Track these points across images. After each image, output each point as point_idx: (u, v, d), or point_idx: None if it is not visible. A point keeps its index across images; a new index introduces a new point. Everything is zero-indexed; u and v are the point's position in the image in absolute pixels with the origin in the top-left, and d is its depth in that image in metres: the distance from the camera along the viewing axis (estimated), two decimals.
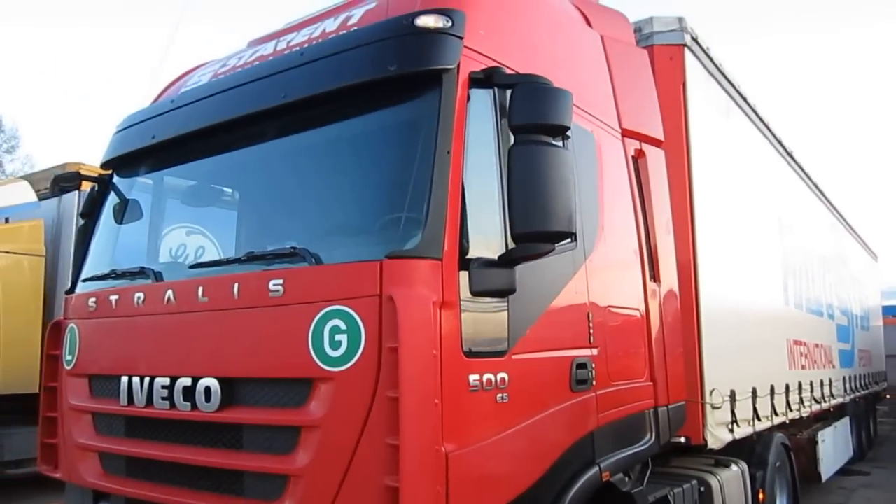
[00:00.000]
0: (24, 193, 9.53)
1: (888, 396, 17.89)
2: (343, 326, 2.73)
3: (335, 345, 2.73)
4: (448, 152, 2.88)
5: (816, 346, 9.19)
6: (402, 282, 2.68)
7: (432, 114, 2.94)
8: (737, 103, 6.69)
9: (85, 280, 4.13)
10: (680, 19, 5.46)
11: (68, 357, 3.93)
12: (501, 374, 2.98)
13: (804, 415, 8.09)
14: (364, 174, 3.30)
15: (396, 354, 2.59)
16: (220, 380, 3.05)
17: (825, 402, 9.29)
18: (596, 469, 3.59)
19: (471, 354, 2.85)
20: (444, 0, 3.22)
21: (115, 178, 4.36)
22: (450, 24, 3.04)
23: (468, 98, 3.05)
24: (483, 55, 3.19)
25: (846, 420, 11.29)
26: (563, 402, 3.40)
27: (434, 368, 2.66)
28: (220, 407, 3.04)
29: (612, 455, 3.76)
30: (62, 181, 4.56)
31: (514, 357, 3.07)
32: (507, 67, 3.24)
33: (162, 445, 3.33)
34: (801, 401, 7.90)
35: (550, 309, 3.39)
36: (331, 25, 3.63)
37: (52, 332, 4.18)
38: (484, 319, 2.97)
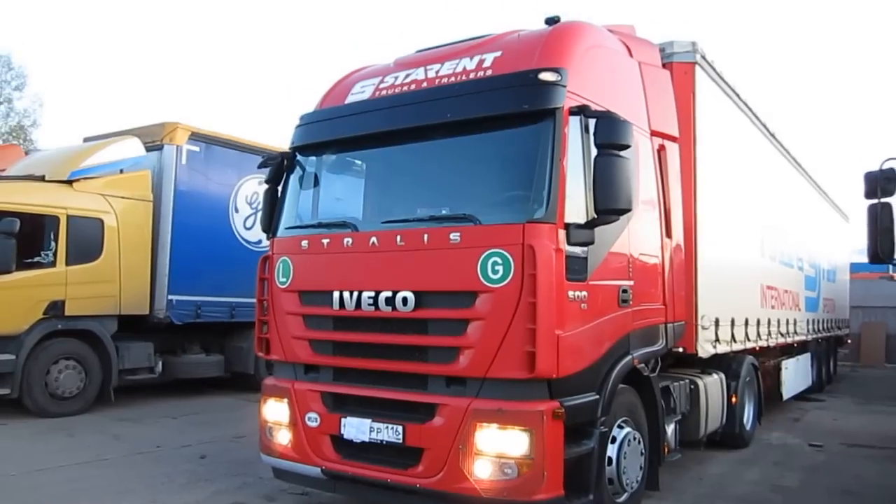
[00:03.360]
0: (136, 148, 11.29)
1: (849, 341, 20.32)
2: (500, 261, 4.71)
3: (495, 272, 4.72)
4: (560, 160, 4.83)
5: (786, 291, 11.30)
6: (536, 236, 4.66)
7: (549, 135, 4.87)
8: (732, 101, 8.62)
9: (288, 228, 6.05)
10: (693, 43, 7.32)
11: (282, 279, 5.87)
12: (584, 292, 5.02)
13: (771, 344, 10.22)
14: (504, 170, 5.26)
15: (534, 278, 4.60)
16: (414, 292, 5.04)
17: (790, 337, 11.45)
18: (630, 357, 5.65)
19: (569, 279, 4.86)
20: (552, 58, 5.13)
21: (298, 157, 6.24)
22: (559, 78, 4.95)
23: (568, 123, 4.98)
24: (576, 94, 5.08)
25: (808, 355, 13.52)
26: (614, 313, 5.44)
27: (553, 286, 4.67)
28: (414, 309, 5.04)
29: (640, 350, 5.82)
30: (269, 160, 6.38)
31: (590, 282, 5.09)
32: (590, 101, 5.15)
33: (366, 334, 5.33)
34: (770, 333, 10.04)
35: (609, 254, 5.39)
36: (469, 64, 5.49)
37: (262, 263, 6.14)
38: (576, 259, 4.96)
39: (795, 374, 12.21)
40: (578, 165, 5.08)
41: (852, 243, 20.78)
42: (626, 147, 4.92)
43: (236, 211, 12.76)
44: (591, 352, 5.16)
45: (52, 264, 10.11)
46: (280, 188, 6.31)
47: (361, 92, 6.06)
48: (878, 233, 4.86)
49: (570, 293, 4.88)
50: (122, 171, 11.12)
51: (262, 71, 74.60)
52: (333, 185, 6.33)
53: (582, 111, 5.04)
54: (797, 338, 12.08)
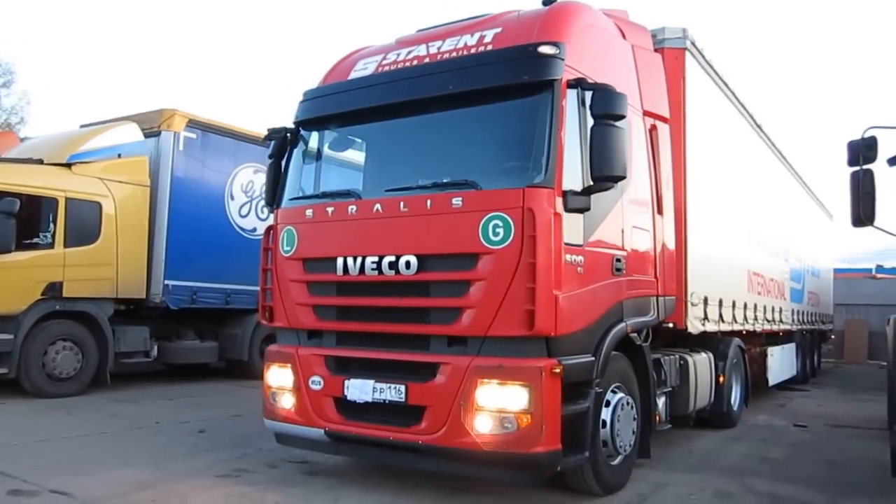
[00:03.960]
0: (134, 133, 11.41)
1: (833, 337, 20.73)
2: (501, 224, 4.90)
3: (496, 234, 4.91)
4: (558, 130, 5.04)
5: (771, 279, 11.60)
6: (535, 200, 4.86)
7: (548, 106, 5.08)
8: (721, 89, 8.88)
9: (292, 199, 6.22)
10: (684, 30, 7.57)
11: (287, 248, 6.02)
12: (580, 257, 5.22)
13: (757, 329, 10.50)
14: (504, 140, 5.46)
15: (533, 240, 4.79)
16: (417, 256, 5.22)
17: (775, 324, 11.75)
18: (624, 324, 5.85)
19: (567, 243, 5.06)
20: (551, 33, 5.33)
21: (302, 132, 6.40)
22: (558, 51, 5.15)
23: (566, 95, 5.19)
24: (573, 69, 5.29)
25: (793, 345, 13.85)
26: (608, 280, 5.65)
27: (551, 248, 4.87)
28: (416, 272, 5.22)
29: (633, 318, 6.01)
30: (274, 133, 6.52)
31: (586, 248, 5.30)
32: (586, 75, 5.36)
33: (370, 298, 5.50)
34: (756, 318, 10.32)
35: (604, 223, 5.59)
36: (470, 41, 5.68)
37: (267, 233, 6.28)
38: (573, 225, 5.16)
39: (781, 362, 12.50)
40: (575, 137, 5.28)
41: (836, 247, 21.21)
42: (622, 117, 5.13)
43: (232, 198, 12.89)
44: (587, 314, 5.35)
45: (51, 246, 10.21)
46: (283, 163, 6.47)
47: (364, 69, 6.23)
48: (860, 197, 5.10)
49: (568, 256, 5.08)
50: (119, 156, 11.22)
51: (259, 61, 74.93)
52: (337, 158, 6.52)
53: (579, 84, 5.25)
54: (782, 326, 12.37)
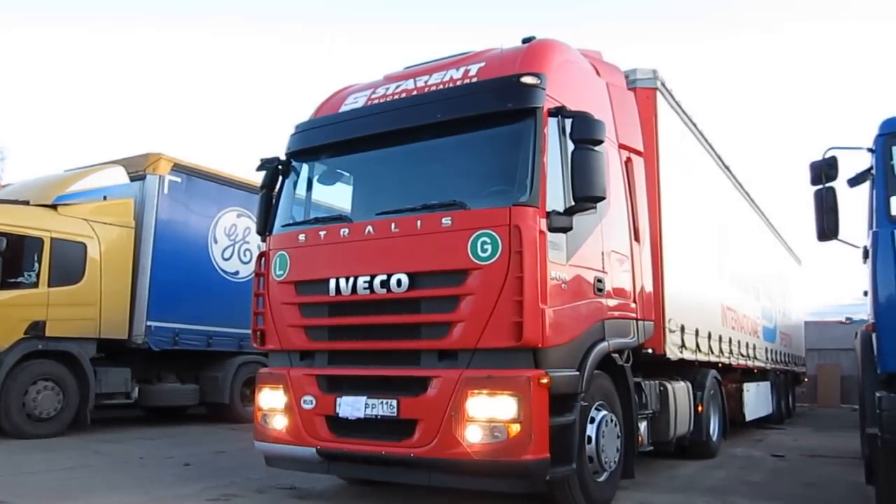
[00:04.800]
0: (120, 176, 11.59)
1: (806, 380, 21.09)
2: (489, 241, 5.16)
3: (484, 250, 5.16)
4: (541, 154, 5.35)
5: (745, 316, 11.94)
6: (522, 218, 5.13)
7: (531, 131, 5.41)
8: (690, 129, 9.34)
9: (284, 225, 6.42)
10: (654, 71, 8.03)
11: (279, 272, 6.20)
12: (564, 274, 5.48)
13: (733, 363, 10.76)
14: (491, 164, 5.76)
15: (520, 255, 5.05)
16: (408, 274, 5.43)
17: (750, 360, 12.03)
18: (606, 343, 6.07)
19: (551, 261, 5.32)
20: (532, 66, 5.71)
21: (294, 163, 6.66)
22: (539, 81, 5.52)
23: (547, 123, 5.53)
24: (553, 98, 5.64)
25: (768, 383, 14.14)
26: (590, 298, 5.90)
27: (537, 262, 5.12)
28: (408, 289, 5.42)
29: (614, 338, 6.24)
30: (266, 163, 6.76)
31: (569, 265, 5.56)
32: (565, 105, 5.72)
33: (362, 317, 5.68)
34: (731, 351, 10.60)
35: (585, 245, 5.87)
36: (456, 74, 6.04)
37: (259, 259, 6.46)
38: (557, 244, 5.43)
39: (757, 397, 12.75)
40: (557, 162, 5.60)
41: (806, 298, 21.70)
42: (600, 142, 5.47)
43: (215, 242, 13.02)
44: (572, 329, 5.58)
45: (35, 285, 10.22)
46: (275, 193, 6.69)
47: (355, 102, 6.54)
48: (824, 213, 5.46)
49: (552, 273, 5.34)
50: (105, 198, 11.35)
51: (241, 109, 75.77)
52: (328, 187, 6.76)
53: (559, 112, 5.60)
54: (756, 363, 12.67)
